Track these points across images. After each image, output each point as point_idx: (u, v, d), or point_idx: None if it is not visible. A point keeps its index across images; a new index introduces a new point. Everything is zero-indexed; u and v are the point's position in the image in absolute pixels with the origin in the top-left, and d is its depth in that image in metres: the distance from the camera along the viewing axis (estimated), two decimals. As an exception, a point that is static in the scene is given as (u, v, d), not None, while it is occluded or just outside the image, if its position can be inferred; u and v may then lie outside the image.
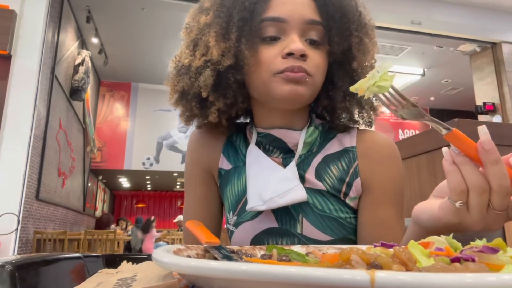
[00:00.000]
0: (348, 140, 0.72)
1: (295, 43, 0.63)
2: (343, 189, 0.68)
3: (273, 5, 0.65)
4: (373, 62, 0.73)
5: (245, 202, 0.71)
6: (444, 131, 0.43)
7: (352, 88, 0.47)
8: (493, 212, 0.43)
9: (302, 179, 0.69)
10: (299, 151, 0.70)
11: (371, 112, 0.74)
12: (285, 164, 0.70)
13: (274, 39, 0.65)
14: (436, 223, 0.48)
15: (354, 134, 0.73)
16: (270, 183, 0.66)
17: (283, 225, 0.68)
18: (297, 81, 0.63)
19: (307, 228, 0.67)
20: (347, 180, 0.69)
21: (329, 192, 0.68)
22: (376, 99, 0.73)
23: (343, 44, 0.68)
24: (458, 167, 0.43)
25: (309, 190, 0.68)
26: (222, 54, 0.65)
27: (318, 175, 0.69)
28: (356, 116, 0.74)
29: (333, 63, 0.70)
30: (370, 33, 0.71)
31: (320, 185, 0.68)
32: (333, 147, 0.72)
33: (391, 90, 0.44)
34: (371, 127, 0.76)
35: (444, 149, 0.45)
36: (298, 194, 0.65)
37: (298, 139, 0.70)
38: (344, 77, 0.70)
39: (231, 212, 0.74)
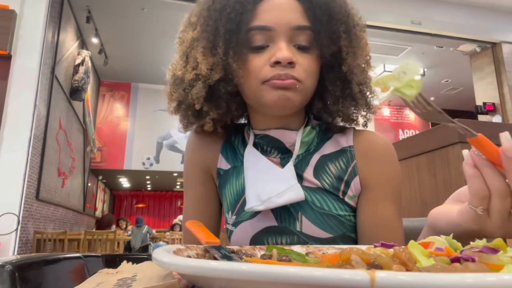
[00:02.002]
0: (344, 140, 0.73)
1: (282, 51, 0.62)
2: (342, 187, 0.69)
3: (259, 13, 0.65)
4: (368, 59, 0.71)
5: (244, 202, 0.71)
6: (469, 136, 0.42)
7: (374, 83, 0.45)
8: None
9: (301, 178, 0.69)
10: (297, 150, 0.70)
11: (368, 112, 0.74)
12: (283, 164, 0.71)
13: (262, 48, 0.65)
14: (454, 229, 0.48)
15: (351, 134, 0.73)
16: (268, 183, 0.67)
17: (283, 223, 0.69)
18: (285, 87, 0.63)
19: (306, 225, 0.67)
20: (345, 178, 0.69)
21: (327, 190, 0.69)
22: (375, 98, 0.73)
23: (332, 47, 0.67)
24: (480, 170, 0.42)
25: (308, 189, 0.69)
26: (211, 68, 0.65)
27: (317, 174, 0.70)
28: (353, 115, 0.73)
29: (324, 66, 0.70)
30: (360, 34, 0.69)
31: (318, 184, 0.69)
32: (330, 147, 0.73)
33: (418, 98, 0.43)
34: (366, 127, 0.76)
35: (465, 152, 0.44)
36: (295, 193, 0.65)
37: (295, 138, 0.71)
38: (335, 80, 0.70)
39: (230, 212, 0.74)
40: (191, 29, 0.70)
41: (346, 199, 0.69)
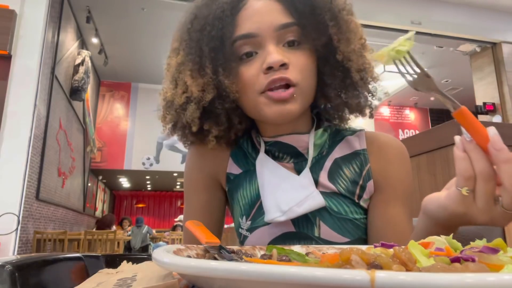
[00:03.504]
0: (357, 143, 0.72)
1: (271, 55, 0.60)
2: (357, 191, 0.68)
3: (240, 23, 0.63)
4: (363, 42, 0.67)
5: (260, 207, 0.70)
6: (452, 109, 0.44)
7: (374, 56, 0.49)
8: (501, 208, 0.43)
9: (315, 183, 0.68)
10: (311, 154, 0.69)
11: (372, 98, 0.71)
12: (297, 169, 0.70)
13: (251, 55, 0.63)
14: (442, 212, 0.48)
15: (363, 137, 0.72)
16: (286, 192, 0.65)
17: (300, 229, 0.67)
18: (283, 100, 0.61)
19: (325, 231, 0.66)
20: (360, 182, 0.69)
21: (342, 194, 0.68)
22: (377, 84, 0.71)
23: (321, 38, 0.64)
24: (468, 153, 0.44)
25: (324, 194, 0.67)
26: (202, 89, 0.64)
27: (331, 178, 0.69)
28: (359, 106, 0.71)
29: (319, 60, 0.67)
30: (348, 18, 0.66)
31: (333, 188, 0.68)
32: (342, 150, 0.71)
33: (407, 57, 0.46)
34: (372, 117, 0.75)
35: (457, 137, 0.46)
36: (315, 200, 0.64)
37: (307, 142, 0.69)
38: (332, 72, 0.67)
39: (244, 217, 0.72)
40: (174, 55, 0.68)
41: (361, 202, 0.68)
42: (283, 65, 0.61)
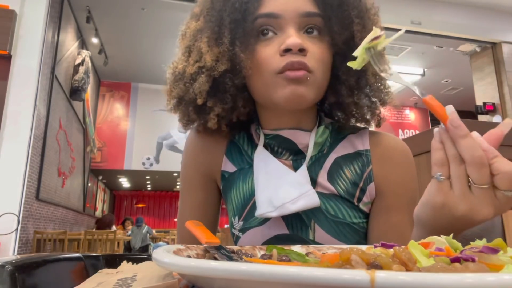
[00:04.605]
0: (360, 143, 0.69)
1: (292, 38, 0.59)
2: (357, 193, 0.66)
3: (265, 1, 0.62)
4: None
5: (253, 207, 0.68)
6: (421, 96, 0.46)
7: (355, 53, 0.52)
8: (477, 189, 0.43)
9: (314, 182, 0.66)
10: (310, 152, 0.67)
11: (382, 105, 0.70)
12: (295, 167, 0.68)
13: (268, 33, 0.63)
14: (424, 210, 0.48)
15: (366, 137, 0.70)
16: (281, 188, 0.63)
17: (294, 231, 0.66)
18: (297, 81, 0.59)
19: (320, 234, 0.64)
20: (360, 185, 0.66)
21: (342, 196, 0.66)
22: (386, 89, 0.70)
23: (344, 33, 0.63)
24: (443, 143, 0.45)
25: (322, 195, 0.65)
26: (216, 59, 0.62)
27: (331, 178, 0.67)
28: (367, 114, 0.70)
29: (336, 55, 0.66)
30: (374, 18, 0.65)
31: (332, 189, 0.66)
32: (344, 148, 0.69)
33: (374, 52, 0.52)
34: (380, 126, 0.72)
35: (435, 129, 0.47)
36: (310, 199, 0.62)
37: (308, 140, 0.68)
38: (349, 69, 0.64)
39: (237, 217, 0.71)
40: (194, 21, 0.67)
41: (361, 205, 0.66)
42: (302, 51, 0.60)
